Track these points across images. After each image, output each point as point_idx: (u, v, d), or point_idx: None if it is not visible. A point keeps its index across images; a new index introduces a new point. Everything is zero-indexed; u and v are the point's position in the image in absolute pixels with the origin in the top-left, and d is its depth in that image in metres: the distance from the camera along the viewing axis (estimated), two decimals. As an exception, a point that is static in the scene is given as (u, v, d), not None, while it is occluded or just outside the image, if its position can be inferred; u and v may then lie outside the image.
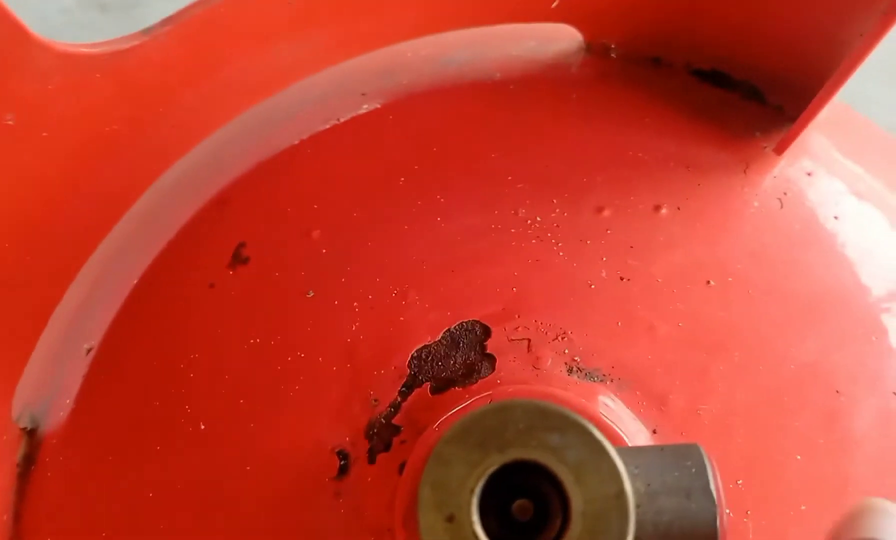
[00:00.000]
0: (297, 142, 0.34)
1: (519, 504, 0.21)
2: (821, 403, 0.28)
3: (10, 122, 0.26)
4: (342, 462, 0.28)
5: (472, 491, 0.19)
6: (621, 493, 0.19)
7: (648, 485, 0.20)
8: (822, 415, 0.27)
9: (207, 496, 0.28)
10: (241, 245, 0.32)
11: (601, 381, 0.28)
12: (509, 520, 0.21)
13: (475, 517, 0.19)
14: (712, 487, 0.20)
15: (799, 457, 0.27)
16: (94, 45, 0.27)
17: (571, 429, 0.19)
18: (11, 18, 0.24)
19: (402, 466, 0.27)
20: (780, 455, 0.27)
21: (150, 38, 0.29)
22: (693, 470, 0.20)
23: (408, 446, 0.27)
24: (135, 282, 0.32)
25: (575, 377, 0.28)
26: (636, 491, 0.20)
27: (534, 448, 0.19)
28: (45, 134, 0.27)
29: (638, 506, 0.20)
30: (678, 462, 0.21)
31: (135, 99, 0.30)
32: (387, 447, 0.28)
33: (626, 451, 0.21)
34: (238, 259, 0.31)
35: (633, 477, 0.20)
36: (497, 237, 0.30)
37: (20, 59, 0.25)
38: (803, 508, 0.26)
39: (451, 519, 0.19)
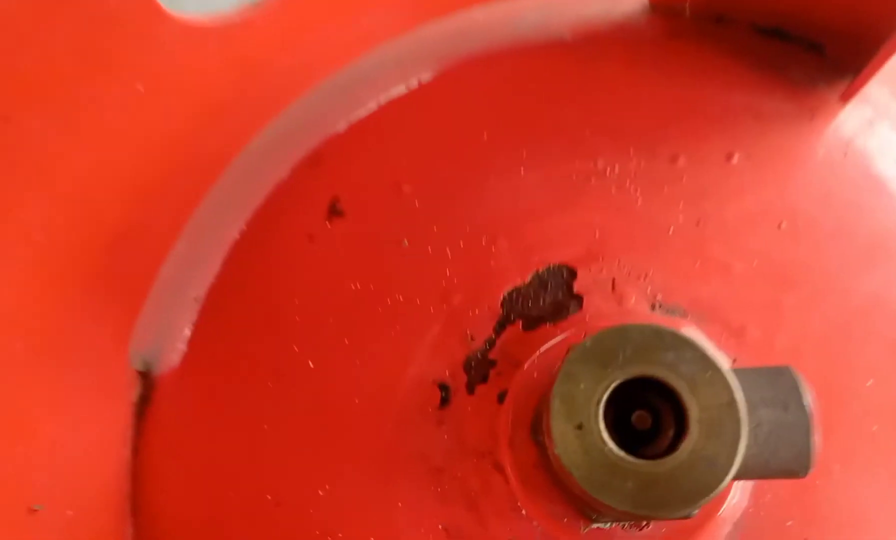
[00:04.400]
0: (381, 104, 0.36)
1: (638, 415, 0.23)
2: (887, 332, 0.30)
3: (140, 90, 0.28)
4: (443, 393, 0.30)
5: (597, 402, 0.22)
6: (732, 401, 0.21)
7: (749, 400, 0.22)
8: (889, 343, 0.30)
9: (320, 428, 0.31)
10: (336, 200, 0.34)
11: (682, 315, 0.30)
12: (627, 430, 0.23)
13: (601, 424, 0.22)
14: (806, 400, 0.23)
15: (869, 382, 0.29)
16: (211, 18, 0.29)
17: (685, 347, 0.22)
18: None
19: (500, 396, 0.30)
20: (850, 381, 0.29)
21: (257, 10, 0.31)
22: (788, 386, 0.23)
23: (504, 378, 0.30)
24: (236, 236, 0.35)
25: (657, 313, 0.30)
26: (738, 403, 0.22)
27: (651, 365, 0.22)
28: (167, 100, 0.30)
29: (741, 415, 0.22)
30: (773, 380, 0.23)
31: (240, 66, 0.32)
32: (484, 379, 0.30)
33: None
34: (334, 212, 0.34)
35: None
36: (578, 186, 0.32)
37: (151, 32, 0.27)
38: (874, 428, 0.29)
39: (580, 427, 0.21)
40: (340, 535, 0.30)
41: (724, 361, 0.22)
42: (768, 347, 0.30)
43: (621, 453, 0.21)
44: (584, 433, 0.21)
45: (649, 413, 0.23)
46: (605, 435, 0.22)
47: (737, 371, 0.24)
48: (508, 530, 0.29)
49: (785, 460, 0.22)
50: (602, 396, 0.22)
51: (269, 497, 0.31)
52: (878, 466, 0.28)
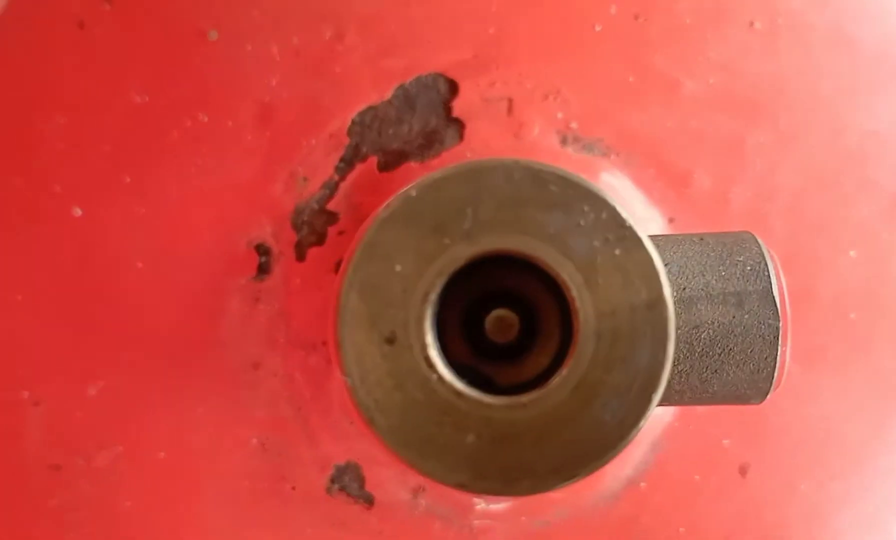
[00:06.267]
0: None
1: (496, 317, 0.14)
2: (888, 185, 0.21)
3: None
4: (262, 259, 0.21)
5: (424, 298, 0.13)
6: (658, 301, 0.12)
7: (683, 289, 0.14)
8: (887, 200, 0.21)
9: (88, 301, 0.22)
10: (118, -32, 0.23)
11: (604, 154, 0.21)
12: (479, 341, 0.14)
13: (429, 337, 0.13)
14: (775, 291, 0.14)
15: (853, 253, 0.21)
16: None
17: (582, 203, 0.13)
18: None
19: (339, 264, 0.21)
20: (828, 251, 0.21)
21: None
22: (747, 268, 0.14)
23: (349, 239, 0.21)
24: (-23, 20, 0.24)
25: (570, 149, 0.21)
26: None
27: (522, 233, 0.13)
28: None
29: (669, 320, 0.13)
30: (726, 257, 0.14)
31: None
32: (320, 240, 0.21)
33: (652, 240, 0.14)
34: (114, -13, 0.23)
35: (662, 279, 0.13)
36: (467, -45, 0.22)
37: None
38: (852, 316, 0.21)
39: (391, 340, 0.13)
40: (120, 448, 0.22)
41: (643, 230, 0.13)
42: (721, 203, 0.21)
43: (459, 385, 0.13)
44: (396, 351, 0.13)
45: (517, 315, 0.14)
46: (435, 354, 0.13)
47: (667, 239, 0.16)
48: (346, 449, 0.21)
49: (733, 382, 0.14)
50: (433, 287, 0.13)
51: (25, 393, 0.22)
52: (853, 366, 0.21)
